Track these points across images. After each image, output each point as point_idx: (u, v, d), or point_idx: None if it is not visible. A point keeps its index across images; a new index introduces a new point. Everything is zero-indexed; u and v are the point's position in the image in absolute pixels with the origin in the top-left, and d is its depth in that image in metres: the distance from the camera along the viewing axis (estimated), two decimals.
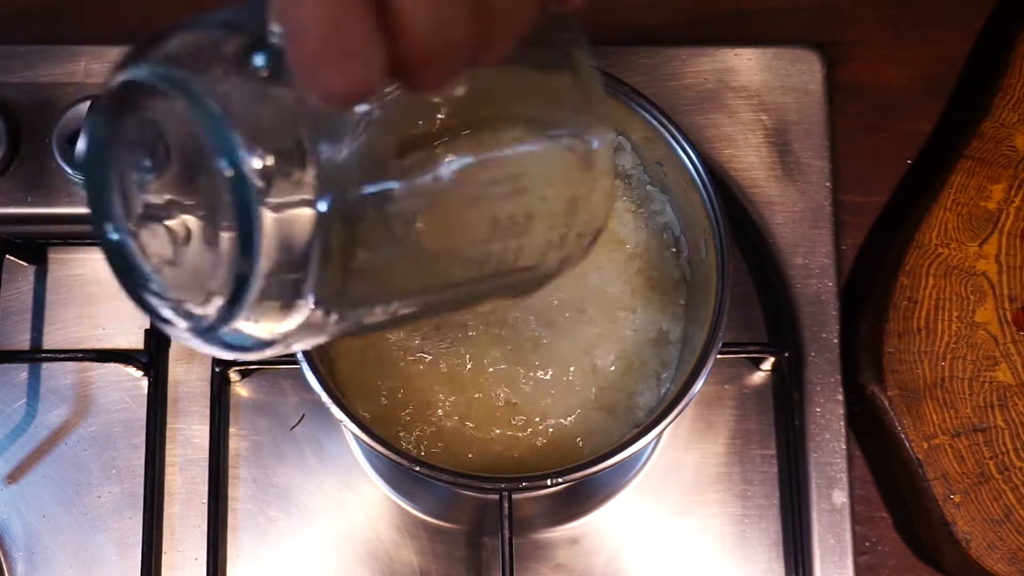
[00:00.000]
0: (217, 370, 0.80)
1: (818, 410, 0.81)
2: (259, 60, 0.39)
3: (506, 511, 0.69)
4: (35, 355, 0.82)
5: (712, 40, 0.87)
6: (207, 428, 0.80)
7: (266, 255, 0.39)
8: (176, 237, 0.43)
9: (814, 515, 0.79)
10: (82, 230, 0.83)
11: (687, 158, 0.69)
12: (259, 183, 0.38)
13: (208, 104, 0.38)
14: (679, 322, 0.74)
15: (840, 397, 0.81)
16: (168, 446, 0.81)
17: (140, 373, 0.81)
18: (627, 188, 0.76)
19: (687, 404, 0.65)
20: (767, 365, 0.82)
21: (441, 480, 0.64)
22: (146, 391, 0.81)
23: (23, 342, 0.83)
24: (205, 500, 0.79)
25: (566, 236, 0.49)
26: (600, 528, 0.80)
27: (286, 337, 0.42)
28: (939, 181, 0.82)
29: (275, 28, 0.38)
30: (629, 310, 0.74)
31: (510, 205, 0.47)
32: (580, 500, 0.81)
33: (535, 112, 0.68)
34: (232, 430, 0.81)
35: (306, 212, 0.39)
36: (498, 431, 0.72)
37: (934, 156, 0.86)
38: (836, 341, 0.82)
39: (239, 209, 0.38)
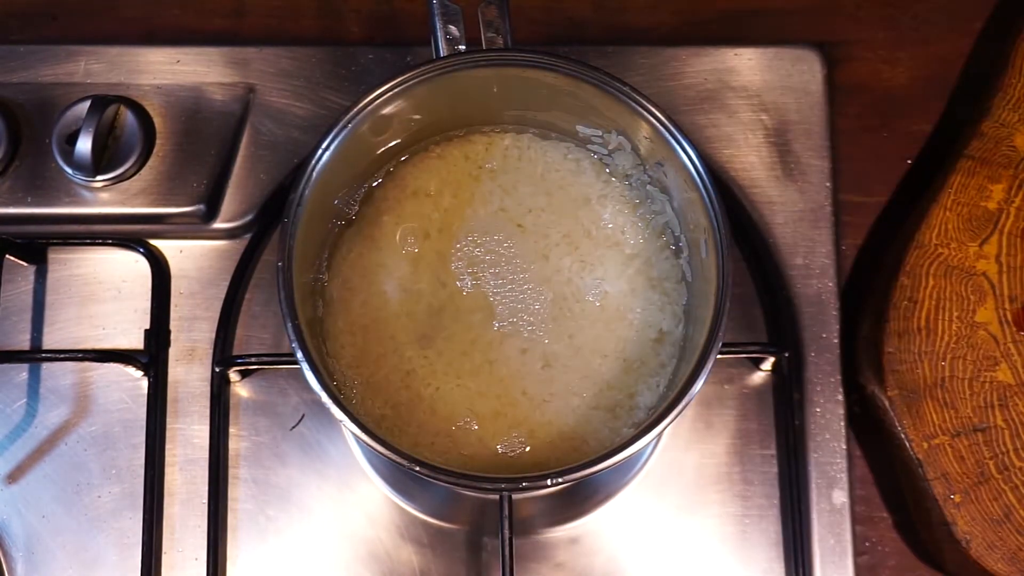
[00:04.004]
0: (217, 370, 0.80)
1: (818, 410, 0.81)
2: None
3: (506, 511, 0.69)
4: (35, 355, 0.82)
5: (712, 40, 0.87)
6: (207, 428, 0.80)
7: None
8: None
9: (814, 515, 0.79)
10: (82, 230, 0.83)
11: (687, 158, 0.69)
12: None
13: None
14: (679, 322, 0.74)
15: (840, 397, 0.81)
16: (168, 446, 0.81)
17: (140, 373, 0.81)
18: (627, 188, 0.76)
19: (687, 404, 0.65)
20: (767, 365, 0.82)
21: (441, 480, 0.64)
22: (146, 391, 0.81)
23: (23, 342, 0.83)
24: (205, 500, 0.79)
25: None
26: (600, 528, 0.80)
27: None
28: (939, 181, 0.82)
29: None
30: (629, 310, 0.74)
31: None
32: (580, 500, 0.81)
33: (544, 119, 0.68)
34: (232, 430, 0.81)
35: None
36: (499, 431, 0.72)
37: (934, 156, 0.86)
38: (836, 341, 0.82)
39: None
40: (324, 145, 0.69)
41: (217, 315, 0.82)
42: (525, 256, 0.75)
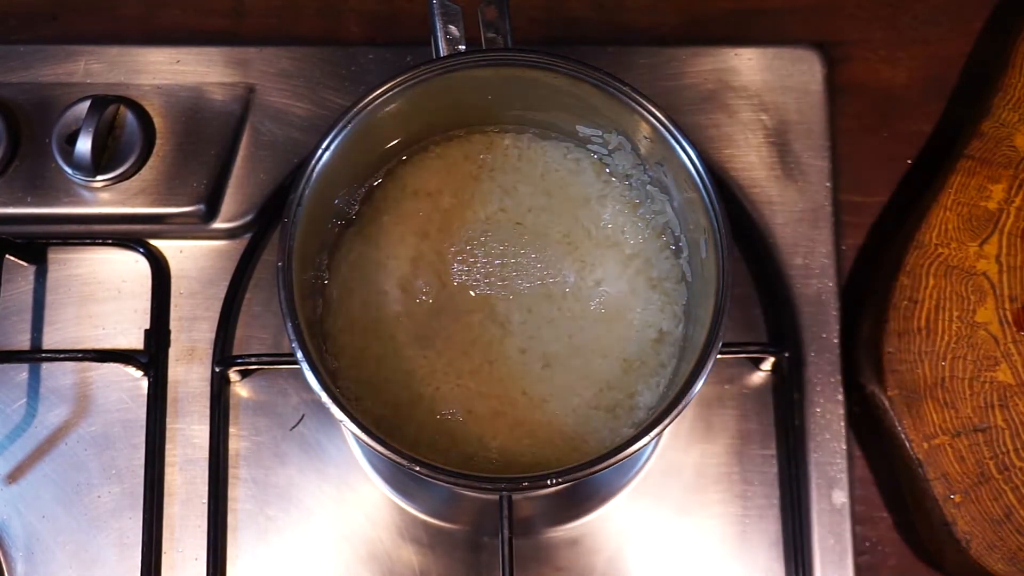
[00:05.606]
0: (217, 370, 0.80)
1: (818, 410, 0.81)
2: None
3: (506, 511, 0.69)
4: (35, 355, 0.82)
5: (712, 40, 0.87)
6: (207, 428, 0.80)
7: None
8: None
9: (814, 515, 0.79)
10: (82, 230, 0.83)
11: (687, 158, 0.69)
12: None
13: None
14: (679, 322, 0.74)
15: (840, 397, 0.81)
16: (168, 446, 0.81)
17: (140, 373, 0.81)
18: (627, 188, 0.76)
19: (687, 404, 0.64)
20: (767, 365, 0.82)
21: (441, 480, 0.64)
22: (146, 391, 0.81)
23: (23, 342, 0.83)
24: (205, 500, 0.79)
25: None
26: (600, 528, 0.80)
27: None
28: (939, 181, 0.82)
29: None
30: (629, 310, 0.74)
31: None
32: (580, 500, 0.81)
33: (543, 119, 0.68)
34: (232, 430, 0.81)
35: None
36: (499, 431, 0.72)
37: (934, 156, 0.86)
38: (836, 341, 0.82)
39: None
40: (324, 145, 0.69)
41: (217, 315, 0.82)
42: (525, 256, 0.75)
